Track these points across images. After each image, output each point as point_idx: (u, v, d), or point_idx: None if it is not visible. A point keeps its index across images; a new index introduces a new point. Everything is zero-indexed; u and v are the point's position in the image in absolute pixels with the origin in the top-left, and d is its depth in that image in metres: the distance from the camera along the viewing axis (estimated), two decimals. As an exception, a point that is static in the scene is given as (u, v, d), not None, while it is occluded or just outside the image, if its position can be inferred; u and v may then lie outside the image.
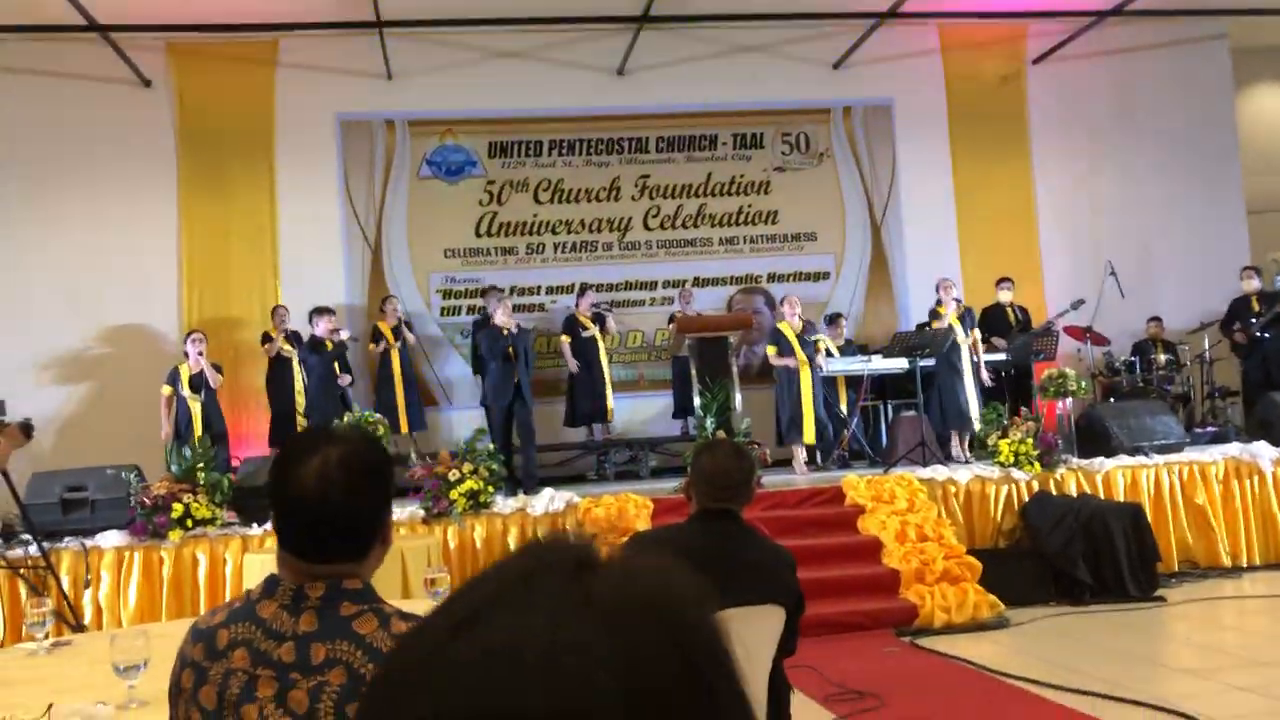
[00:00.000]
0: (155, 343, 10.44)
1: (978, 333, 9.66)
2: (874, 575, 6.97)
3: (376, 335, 10.22)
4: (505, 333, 8.97)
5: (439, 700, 0.53)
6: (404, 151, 11.21)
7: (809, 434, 9.08)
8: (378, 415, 8.31)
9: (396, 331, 10.16)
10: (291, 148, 10.85)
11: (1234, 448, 8.48)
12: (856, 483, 7.80)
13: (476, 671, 0.53)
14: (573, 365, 10.23)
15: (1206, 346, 11.06)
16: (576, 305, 10.49)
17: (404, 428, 9.82)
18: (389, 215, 11.12)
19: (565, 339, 10.34)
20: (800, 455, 9.29)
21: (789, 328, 9.29)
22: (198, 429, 8.83)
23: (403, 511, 7.26)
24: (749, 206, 11.74)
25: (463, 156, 11.33)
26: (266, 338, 9.88)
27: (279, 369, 9.77)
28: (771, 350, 9.32)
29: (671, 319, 10.54)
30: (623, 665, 0.53)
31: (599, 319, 10.45)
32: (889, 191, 11.91)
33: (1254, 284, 10.72)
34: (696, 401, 8.57)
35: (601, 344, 10.37)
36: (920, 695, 5.24)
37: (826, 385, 9.70)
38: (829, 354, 9.90)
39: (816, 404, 9.15)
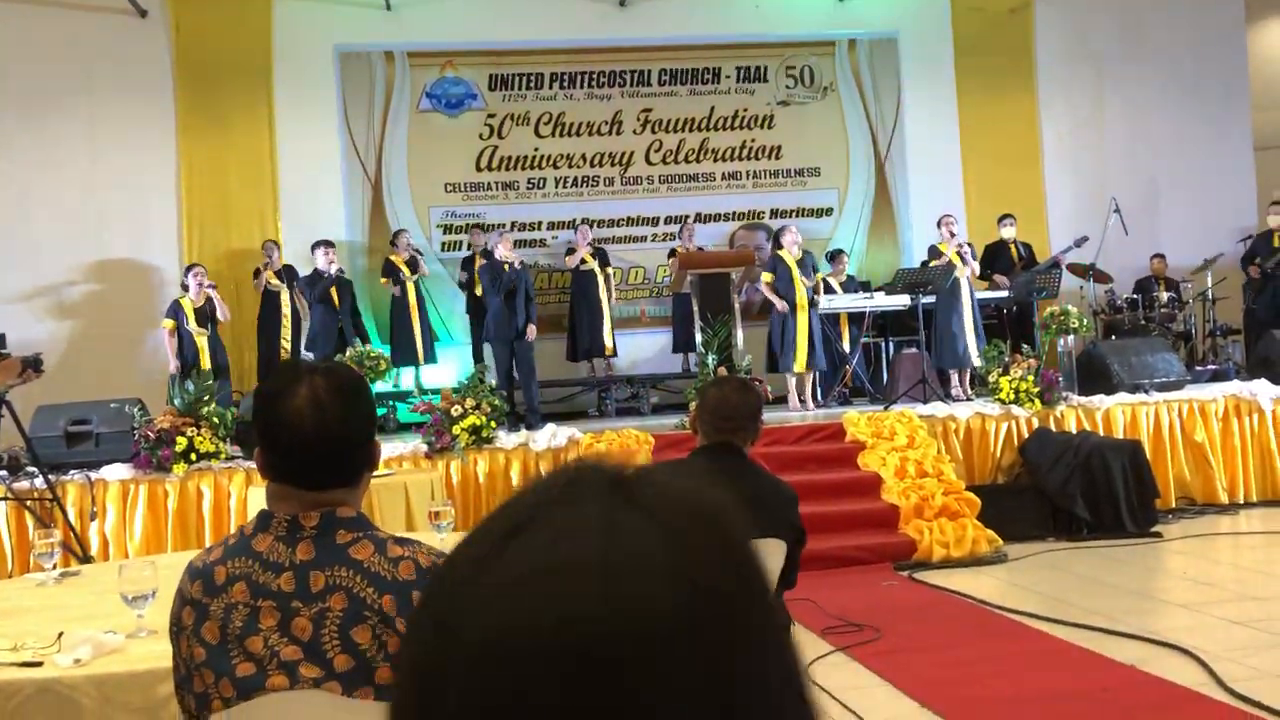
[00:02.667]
0: (155, 276, 10.41)
1: (976, 268, 9.63)
2: (873, 510, 7.02)
3: (389, 269, 10.16)
4: (507, 268, 8.94)
5: (496, 611, 0.53)
6: (403, 84, 11.08)
7: (800, 362, 9.07)
8: (379, 350, 8.31)
9: (412, 265, 10.11)
10: (290, 80, 10.72)
11: (1234, 386, 8.49)
12: (857, 419, 7.82)
13: (533, 580, 0.53)
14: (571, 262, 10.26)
15: (1210, 284, 11.03)
16: (575, 239, 10.46)
17: (421, 360, 9.87)
18: (389, 149, 11.02)
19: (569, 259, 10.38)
20: (793, 384, 9.27)
21: (789, 256, 9.24)
22: (204, 363, 8.83)
23: (406, 446, 7.30)
24: (752, 141, 11.63)
25: (463, 89, 11.20)
26: (257, 273, 9.85)
27: (269, 304, 9.77)
28: (768, 278, 9.27)
29: (672, 254, 10.50)
30: (677, 566, 0.54)
31: (599, 254, 10.41)
32: (894, 126, 11.80)
33: (1277, 218, 10.60)
34: (698, 338, 8.57)
35: (601, 278, 10.33)
36: (918, 628, 5.30)
37: (828, 321, 9.69)
38: (829, 289, 9.86)
39: (812, 333, 9.13)
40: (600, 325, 10.28)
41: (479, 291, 10.21)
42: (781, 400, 9.40)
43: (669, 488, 0.58)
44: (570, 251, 10.39)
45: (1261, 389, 8.26)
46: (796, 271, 9.18)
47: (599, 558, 0.53)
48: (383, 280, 10.17)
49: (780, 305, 9.11)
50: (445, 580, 0.57)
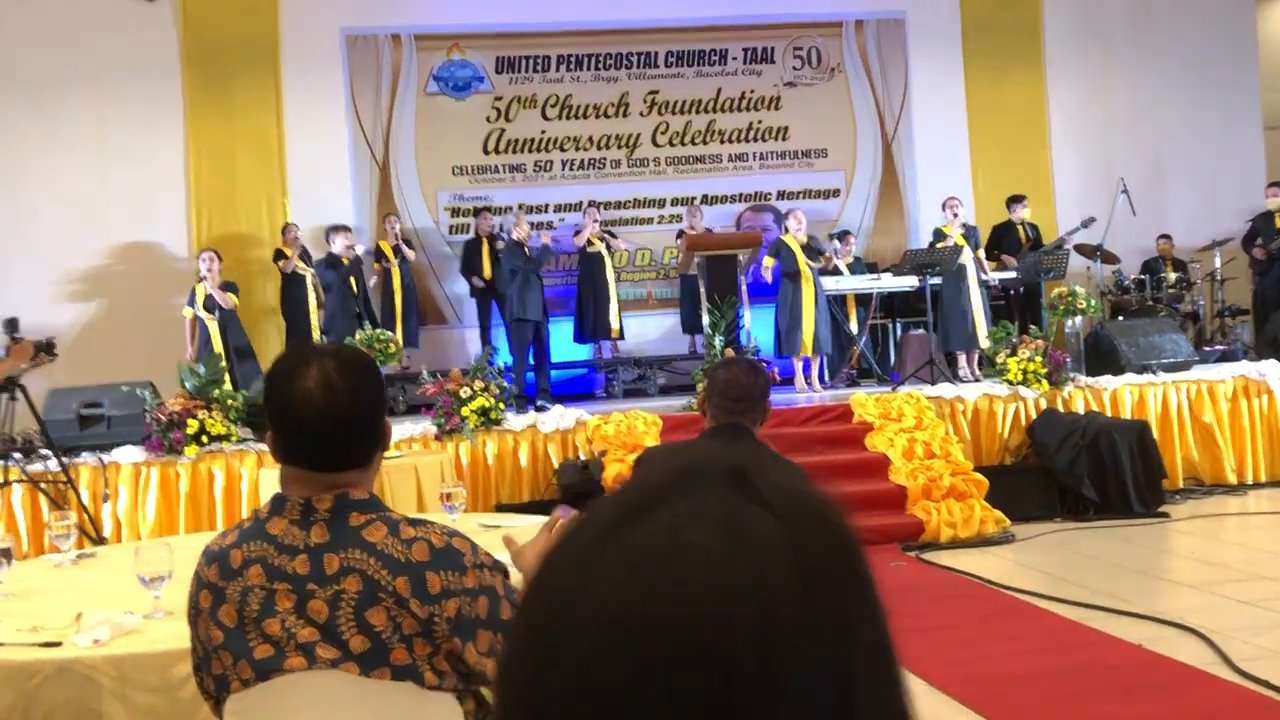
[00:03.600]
0: (164, 260, 10.43)
1: (981, 252, 9.60)
2: (881, 491, 7.03)
3: (379, 254, 10.21)
4: (527, 250, 8.97)
5: (614, 588, 0.54)
6: (410, 67, 11.06)
7: (806, 345, 9.06)
8: (389, 334, 8.33)
9: (396, 250, 10.14)
10: (297, 63, 10.71)
11: (1243, 366, 8.47)
12: (864, 400, 7.83)
13: (654, 562, 0.54)
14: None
15: (1218, 264, 10.98)
16: (582, 221, 10.44)
17: (400, 346, 9.83)
18: (396, 132, 11.01)
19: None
20: (799, 369, 9.26)
21: (794, 240, 9.21)
22: (217, 346, 8.86)
23: (415, 427, 7.32)
24: (759, 123, 11.59)
25: (470, 72, 11.18)
26: (279, 254, 9.87)
27: (293, 287, 9.78)
28: (769, 261, 9.25)
29: (680, 236, 10.48)
30: (798, 561, 0.55)
31: (605, 236, 10.40)
32: (901, 107, 11.75)
33: (1277, 200, 10.56)
34: (705, 320, 8.56)
35: (609, 260, 10.33)
36: (925, 608, 5.32)
37: (835, 303, 9.67)
38: (837, 271, 9.84)
39: (818, 316, 9.11)
40: (607, 307, 10.28)
41: (487, 274, 10.23)
42: (788, 382, 9.40)
43: (785, 483, 0.60)
44: (577, 233, 10.38)
45: (1270, 369, 8.24)
46: (801, 255, 9.16)
47: (720, 546, 0.54)
48: (375, 265, 10.16)
49: (768, 269, 9.08)
50: (563, 555, 0.58)
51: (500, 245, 9.76)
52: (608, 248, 10.34)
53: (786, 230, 9.31)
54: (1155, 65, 11.85)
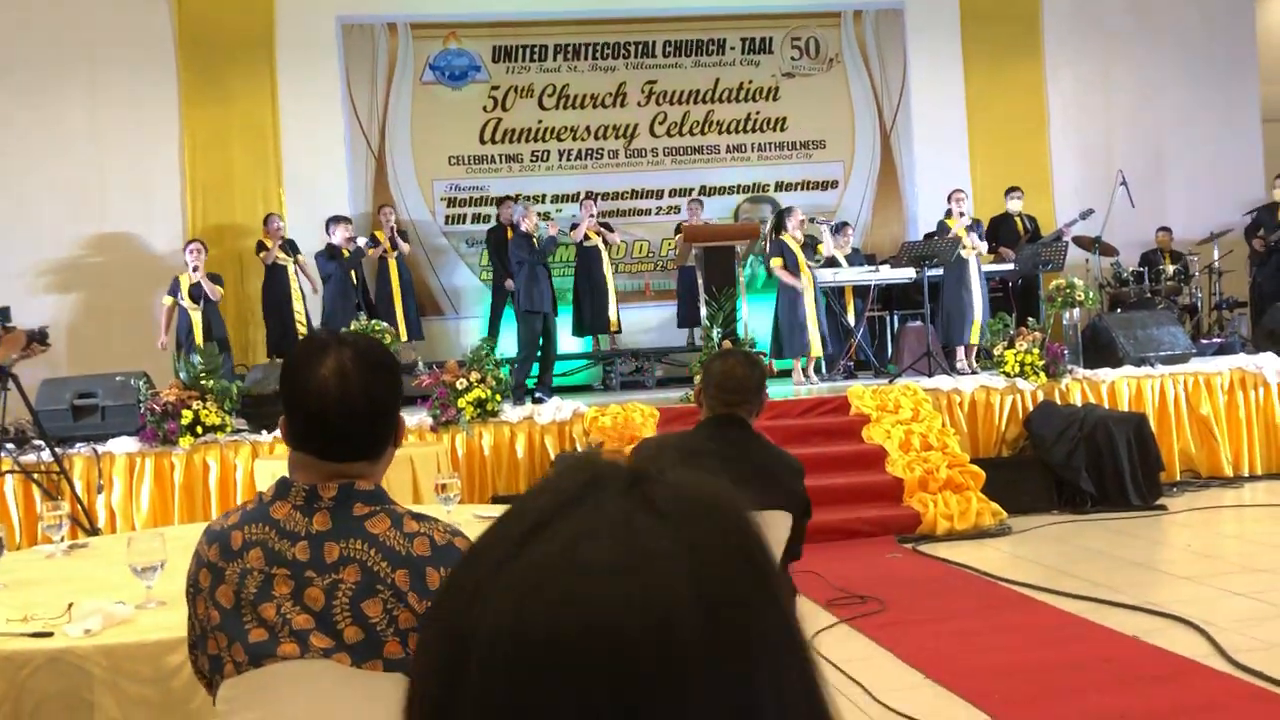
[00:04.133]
0: (159, 250, 10.40)
1: (984, 245, 9.59)
2: (878, 483, 7.04)
3: (374, 243, 10.19)
4: (536, 240, 8.96)
5: (513, 613, 0.53)
6: (406, 56, 11.03)
7: (814, 346, 9.03)
8: (384, 324, 8.32)
9: (392, 240, 10.12)
10: (292, 51, 10.68)
11: (1240, 359, 8.49)
12: (861, 392, 7.83)
13: (552, 582, 0.53)
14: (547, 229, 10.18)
15: (1216, 257, 10.98)
16: (579, 214, 10.42)
17: (403, 336, 9.82)
18: (392, 121, 10.98)
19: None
20: (797, 363, 9.23)
21: (793, 240, 9.18)
22: (198, 337, 8.85)
23: (411, 419, 7.30)
24: (757, 113, 11.57)
25: (466, 61, 11.15)
26: (261, 246, 9.85)
27: (275, 278, 9.76)
28: (777, 262, 9.22)
29: (678, 229, 10.46)
30: (696, 569, 0.54)
31: (602, 230, 10.37)
32: (899, 98, 11.73)
33: None
34: (703, 312, 8.55)
35: (605, 254, 10.31)
36: (921, 599, 5.33)
37: (833, 295, 9.66)
38: (835, 263, 9.81)
39: (820, 317, 9.09)
40: (605, 301, 10.26)
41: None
42: (785, 375, 9.39)
43: (686, 488, 0.58)
44: (574, 226, 10.35)
45: (1267, 362, 8.25)
46: (802, 256, 9.15)
47: (617, 560, 0.53)
48: (370, 252, 10.13)
49: (798, 284, 8.97)
50: (462, 580, 0.57)
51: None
52: (604, 241, 10.31)
53: (785, 230, 9.28)
54: (1154, 57, 11.84)
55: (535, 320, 8.99)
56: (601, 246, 10.26)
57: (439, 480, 3.50)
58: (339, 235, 9.40)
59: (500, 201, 10.68)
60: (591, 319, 10.31)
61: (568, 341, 10.53)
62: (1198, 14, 11.90)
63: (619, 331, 10.48)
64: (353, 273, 9.55)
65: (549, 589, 0.53)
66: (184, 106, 10.47)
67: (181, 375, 7.19)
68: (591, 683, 0.51)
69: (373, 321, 8.23)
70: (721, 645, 0.53)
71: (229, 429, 7.11)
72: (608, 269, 10.30)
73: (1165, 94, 11.84)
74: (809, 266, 9.11)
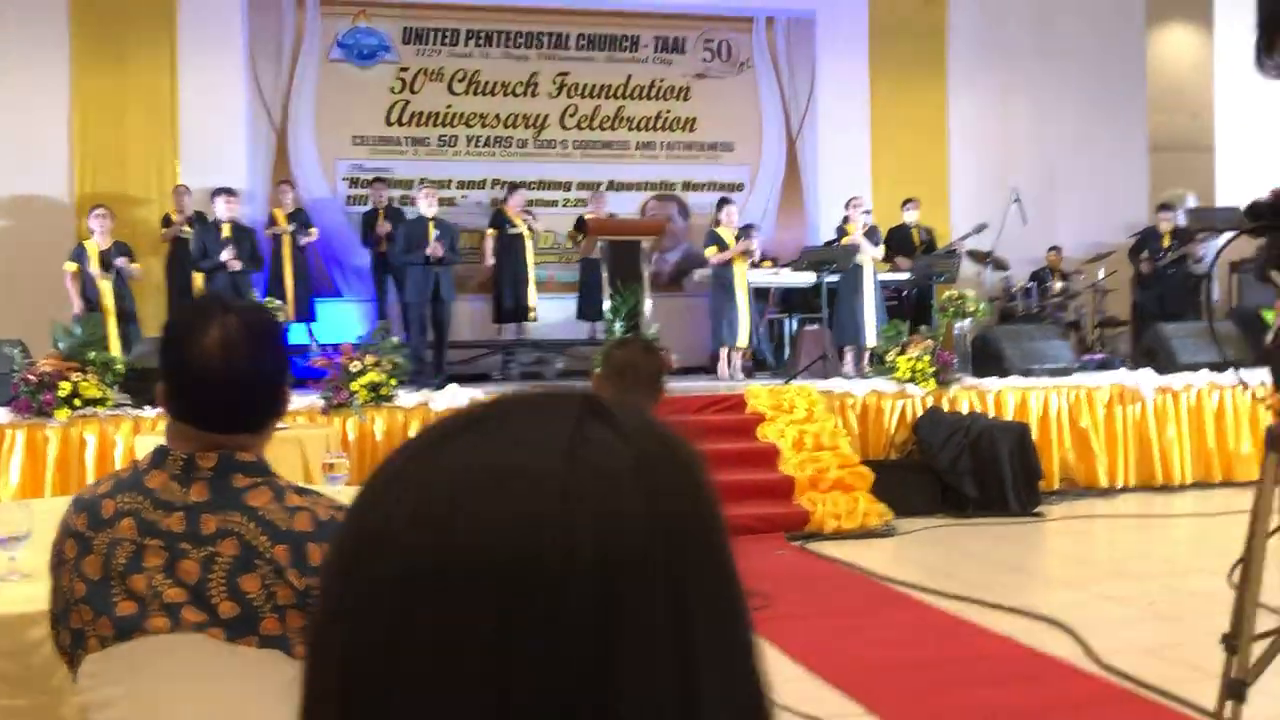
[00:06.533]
0: (42, 213, 9.96)
1: (880, 251, 9.79)
2: (770, 481, 7.12)
3: (270, 222, 9.90)
4: (433, 226, 8.82)
5: (425, 515, 0.47)
6: (314, 31, 10.77)
7: (743, 337, 9.15)
8: (278, 301, 8.12)
9: (291, 218, 9.85)
10: (194, 19, 10.33)
11: (1120, 374, 8.80)
12: (759, 392, 7.91)
13: (479, 483, 0.48)
14: (489, 260, 10.11)
15: (1100, 276, 11.39)
16: (506, 201, 10.30)
17: (292, 316, 9.55)
18: (296, 97, 10.72)
19: (491, 233, 10.18)
20: (730, 358, 9.31)
21: (728, 231, 9.33)
22: (108, 308, 8.47)
23: (302, 401, 7.14)
24: (668, 112, 11.60)
25: (376, 41, 10.94)
26: (168, 220, 9.51)
27: (179, 252, 9.43)
28: (712, 250, 9.34)
29: (580, 221, 10.42)
30: (649, 495, 0.50)
31: (527, 217, 10.28)
32: (807, 105, 11.89)
33: (1170, 218, 10.94)
34: (606, 305, 8.55)
35: (529, 242, 10.21)
36: (807, 596, 5.40)
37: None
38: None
39: (753, 312, 9.25)
40: (525, 289, 10.17)
41: (383, 248, 10.00)
42: (687, 370, 9.44)
43: (643, 414, 0.55)
44: (499, 214, 10.24)
45: (1144, 379, 8.56)
46: (736, 246, 9.25)
47: (564, 468, 0.48)
48: (266, 231, 9.84)
49: (728, 255, 9.10)
50: (376, 477, 0.51)
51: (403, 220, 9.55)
52: (529, 229, 10.21)
53: (719, 222, 9.42)
54: (1052, 80, 12.22)
55: (424, 306, 8.88)
56: (526, 234, 10.16)
57: (326, 459, 3.42)
58: (221, 207, 9.01)
59: (373, 183, 10.48)
60: (513, 306, 10.21)
61: (482, 328, 10.42)
62: (1094, 42, 12.32)
63: (536, 320, 10.37)
64: (235, 247, 9.14)
65: (470, 492, 0.48)
66: (74, 67, 10.04)
67: (60, 346, 6.89)
68: (511, 605, 0.46)
69: (268, 299, 8.01)
70: (665, 574, 0.49)
71: (110, 403, 6.84)
72: (530, 256, 10.20)
73: (1060, 118, 12.23)
74: (743, 253, 9.27)
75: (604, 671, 0.47)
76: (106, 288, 8.64)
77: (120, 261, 8.67)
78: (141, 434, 6.43)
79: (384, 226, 9.93)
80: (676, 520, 0.51)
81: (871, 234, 9.61)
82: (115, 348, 7.88)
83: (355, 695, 0.48)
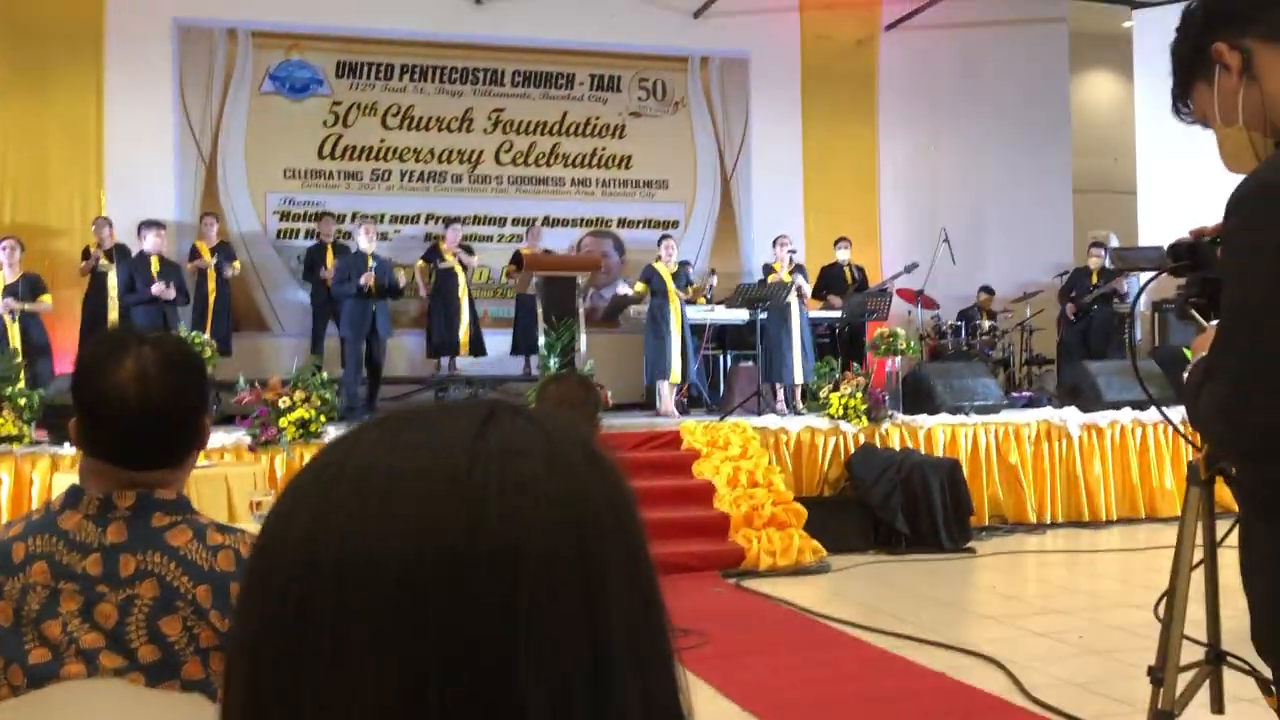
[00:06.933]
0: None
1: (807, 288, 9.93)
2: (705, 518, 7.12)
3: (194, 254, 9.73)
4: (372, 260, 8.76)
5: (333, 517, 0.47)
6: (245, 64, 10.67)
7: (675, 372, 9.17)
8: (205, 337, 7.97)
9: (215, 251, 9.70)
10: (123, 48, 10.19)
11: (1047, 412, 8.97)
12: (693, 428, 7.93)
13: (384, 486, 0.47)
14: (423, 291, 10.05)
15: (1028, 315, 11.64)
16: (444, 237, 10.26)
17: (213, 352, 9.36)
18: (226, 129, 10.59)
19: (421, 265, 10.13)
20: (664, 392, 9.33)
21: (664, 268, 9.38)
22: (13, 340, 8.23)
23: (229, 438, 7.01)
24: (603, 149, 11.67)
25: (308, 74, 10.87)
26: (87, 253, 9.29)
27: (97, 285, 9.22)
28: (641, 287, 9.39)
29: (515, 256, 10.42)
30: (562, 496, 0.49)
31: (462, 253, 10.25)
32: (740, 145, 12.04)
33: (1097, 259, 11.26)
34: (541, 340, 8.53)
35: (462, 278, 10.17)
36: (742, 633, 5.40)
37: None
38: (690, 302, 9.95)
39: (686, 344, 9.27)
40: (457, 324, 10.11)
41: (328, 283, 9.86)
42: (623, 406, 9.44)
43: (561, 418, 0.54)
44: (434, 249, 10.20)
45: (1071, 415, 8.75)
46: (671, 284, 9.31)
47: (468, 464, 0.48)
48: (189, 265, 9.67)
49: (632, 294, 9.20)
50: (282, 493, 0.51)
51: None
52: (462, 265, 10.17)
53: (659, 258, 9.50)
54: (979, 122, 12.52)
55: (360, 342, 8.81)
56: (459, 270, 10.11)
57: (254, 497, 3.36)
58: (150, 241, 8.83)
59: (320, 218, 10.40)
60: (444, 341, 10.15)
61: (418, 364, 10.33)
62: (1019, 87, 12.66)
63: (470, 355, 10.29)
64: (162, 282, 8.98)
65: (375, 495, 0.47)
66: (-4, 94, 9.83)
67: (-26, 381, 6.69)
68: (413, 613, 0.45)
69: (193, 334, 7.87)
70: (578, 579, 0.48)
71: (26, 440, 6.65)
72: (464, 292, 10.15)
73: (988, 159, 12.53)
74: (678, 295, 9.28)
75: (509, 670, 0.46)
76: (12, 321, 8.40)
77: (30, 301, 8.43)
78: (60, 471, 6.26)
79: (327, 266, 9.82)
80: (590, 517, 0.50)
81: (798, 271, 9.75)
82: (20, 384, 7.65)
83: (266, 715, 0.47)
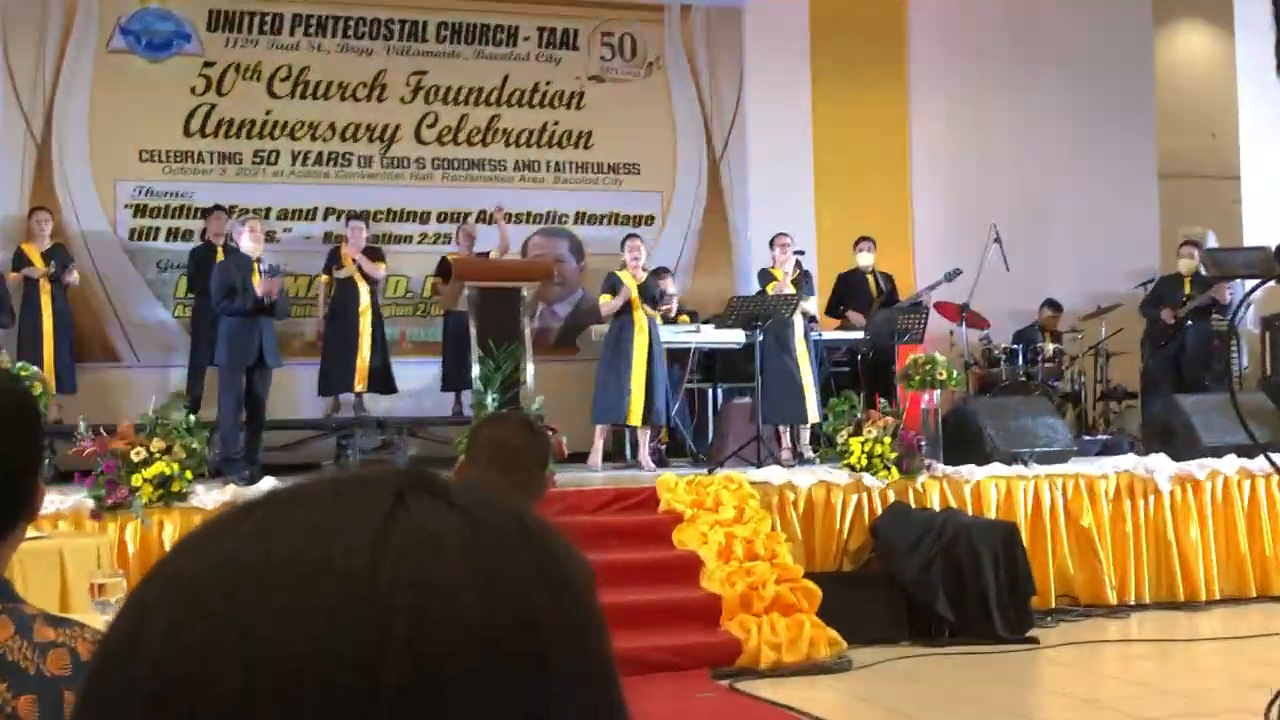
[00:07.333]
0: None
1: (815, 302, 9.96)
2: (689, 601, 7.10)
3: (21, 261, 9.67)
4: (258, 266, 8.71)
5: (201, 620, 0.47)
6: (89, 12, 10.68)
7: (634, 412, 9.11)
8: (34, 369, 7.91)
9: (48, 257, 9.65)
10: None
11: (1128, 459, 9.01)
12: (674, 484, 7.92)
13: (266, 578, 0.48)
14: (323, 311, 10.21)
15: (1103, 335, 11.69)
16: (346, 238, 10.28)
17: (50, 388, 9.32)
18: (63, 99, 10.58)
19: (324, 279, 10.16)
20: (598, 440, 9.30)
21: (630, 277, 9.34)
22: None
23: (65, 500, 6.94)
24: (555, 124, 11.72)
25: (171, 26, 10.88)
26: None
27: None
28: (605, 299, 9.35)
29: (441, 263, 10.38)
30: (487, 573, 0.50)
31: (372, 255, 10.17)
32: (733, 119, 12.12)
33: (1191, 262, 11.15)
34: (475, 371, 8.52)
35: (364, 291, 10.07)
36: (739, 752, 5.38)
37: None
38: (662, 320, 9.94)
39: (653, 376, 9.17)
40: (354, 352, 10.05)
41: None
42: (580, 457, 9.41)
43: (489, 493, 0.55)
44: (335, 254, 10.16)
45: (1159, 464, 8.77)
46: (638, 297, 9.26)
47: (372, 560, 0.49)
48: (11, 275, 9.60)
49: (614, 305, 9.22)
50: (138, 584, 0.52)
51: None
52: (362, 273, 10.06)
53: (623, 266, 9.43)
54: (1038, 93, 12.59)
55: (239, 374, 8.74)
56: (359, 280, 10.04)
57: (95, 579, 3.33)
58: None
59: (208, 213, 10.37)
60: (338, 375, 10.07)
61: (312, 402, 10.28)
62: (1090, 40, 12.73)
63: (393, 391, 10.25)
64: None
65: (255, 590, 0.48)
66: None
67: None
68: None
69: (19, 365, 7.81)
70: (512, 684, 0.49)
71: None
72: (364, 311, 10.07)
73: (1049, 136, 12.59)
74: (645, 313, 9.23)
75: None
76: None
77: None
78: None
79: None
80: (530, 625, 0.50)
81: (802, 280, 9.75)
82: None
83: None
